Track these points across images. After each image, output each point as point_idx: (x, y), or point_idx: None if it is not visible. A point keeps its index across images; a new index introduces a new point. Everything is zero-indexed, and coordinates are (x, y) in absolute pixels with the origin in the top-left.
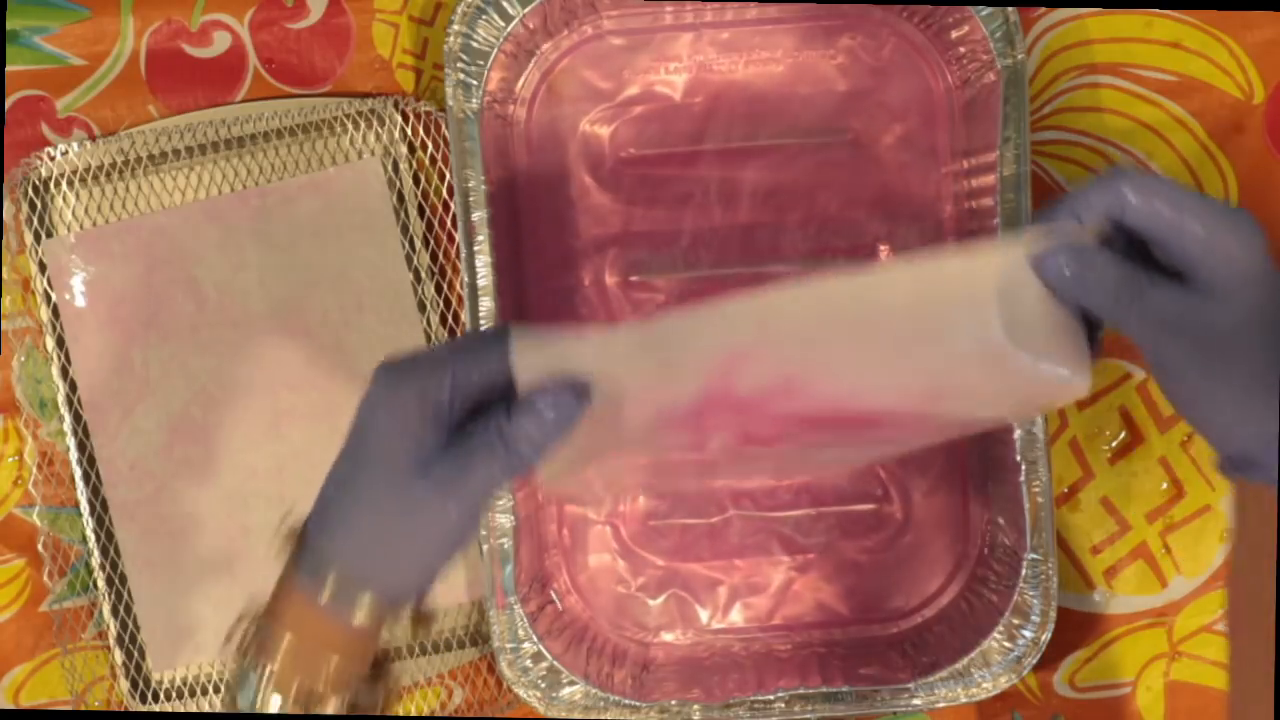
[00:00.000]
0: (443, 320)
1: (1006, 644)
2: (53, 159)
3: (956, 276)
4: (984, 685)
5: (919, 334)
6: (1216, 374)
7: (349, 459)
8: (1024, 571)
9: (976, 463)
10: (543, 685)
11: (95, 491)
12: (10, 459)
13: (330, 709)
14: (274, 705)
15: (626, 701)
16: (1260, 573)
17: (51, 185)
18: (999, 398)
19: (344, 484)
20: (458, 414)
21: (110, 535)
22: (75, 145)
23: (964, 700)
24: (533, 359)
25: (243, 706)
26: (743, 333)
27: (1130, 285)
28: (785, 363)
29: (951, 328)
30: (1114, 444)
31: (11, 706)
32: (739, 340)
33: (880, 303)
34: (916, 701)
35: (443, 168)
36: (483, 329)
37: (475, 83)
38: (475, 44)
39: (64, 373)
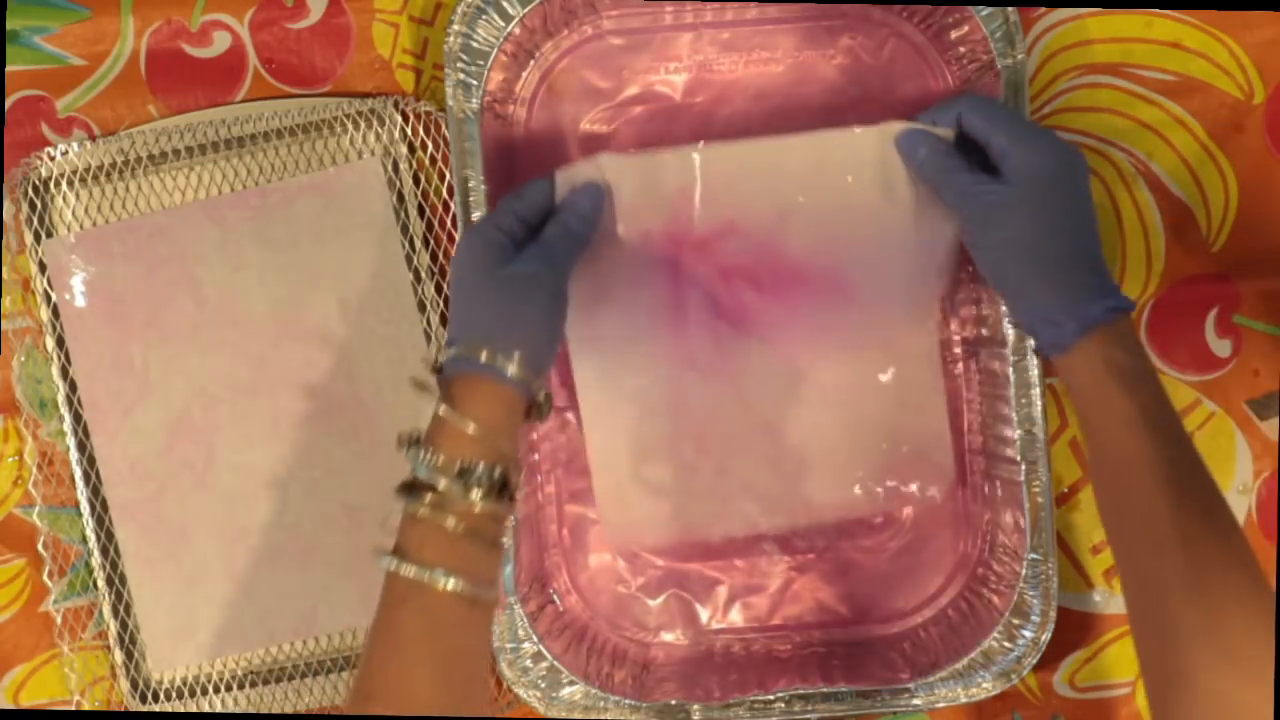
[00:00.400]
0: (443, 320)
1: (1006, 644)
2: (53, 159)
3: (845, 146)
4: (984, 685)
5: (816, 189)
6: (1014, 255)
7: (461, 276)
8: (1024, 571)
9: (977, 463)
10: (543, 685)
11: (95, 491)
12: (10, 459)
13: (481, 486)
14: (442, 482)
15: (626, 701)
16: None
17: (51, 185)
18: (883, 251)
19: (465, 290)
20: (523, 231)
21: (110, 535)
22: (75, 145)
23: (964, 700)
24: (566, 179)
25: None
26: (689, 173)
27: (948, 164)
28: (724, 207)
29: (841, 186)
30: None
31: (11, 706)
32: (688, 179)
33: (786, 164)
34: (916, 701)
35: (443, 168)
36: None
37: (475, 83)
38: (475, 44)
39: (64, 373)
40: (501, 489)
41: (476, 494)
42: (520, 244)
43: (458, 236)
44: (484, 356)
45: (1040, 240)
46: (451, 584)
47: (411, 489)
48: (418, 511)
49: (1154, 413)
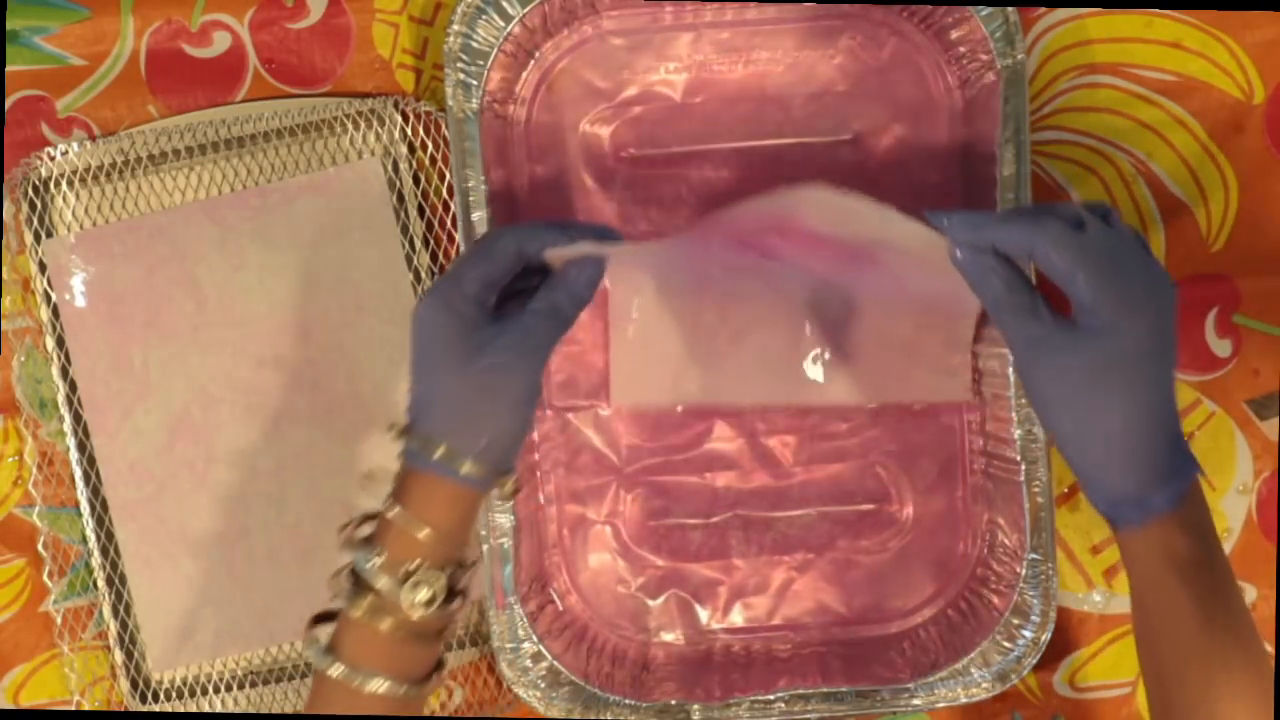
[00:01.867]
0: None
1: (1006, 644)
2: (53, 159)
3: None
4: (984, 685)
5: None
6: (1084, 423)
7: (422, 357)
8: (1024, 571)
9: (976, 463)
10: (543, 685)
11: (95, 491)
12: (10, 459)
13: (423, 593)
14: (382, 584)
15: (627, 701)
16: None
17: (51, 185)
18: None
19: (427, 368)
20: (489, 299)
21: (110, 535)
22: (75, 145)
23: (964, 700)
24: (560, 251)
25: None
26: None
27: (1021, 304)
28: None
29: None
30: None
31: (11, 706)
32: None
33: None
34: (916, 701)
35: (443, 168)
36: (482, 235)
37: (475, 83)
38: (475, 44)
39: (64, 373)
40: (449, 594)
41: (420, 598)
42: (491, 309)
43: (420, 296)
44: (439, 454)
45: (1118, 415)
46: (383, 688)
47: (355, 579)
48: (354, 613)
49: (1209, 605)
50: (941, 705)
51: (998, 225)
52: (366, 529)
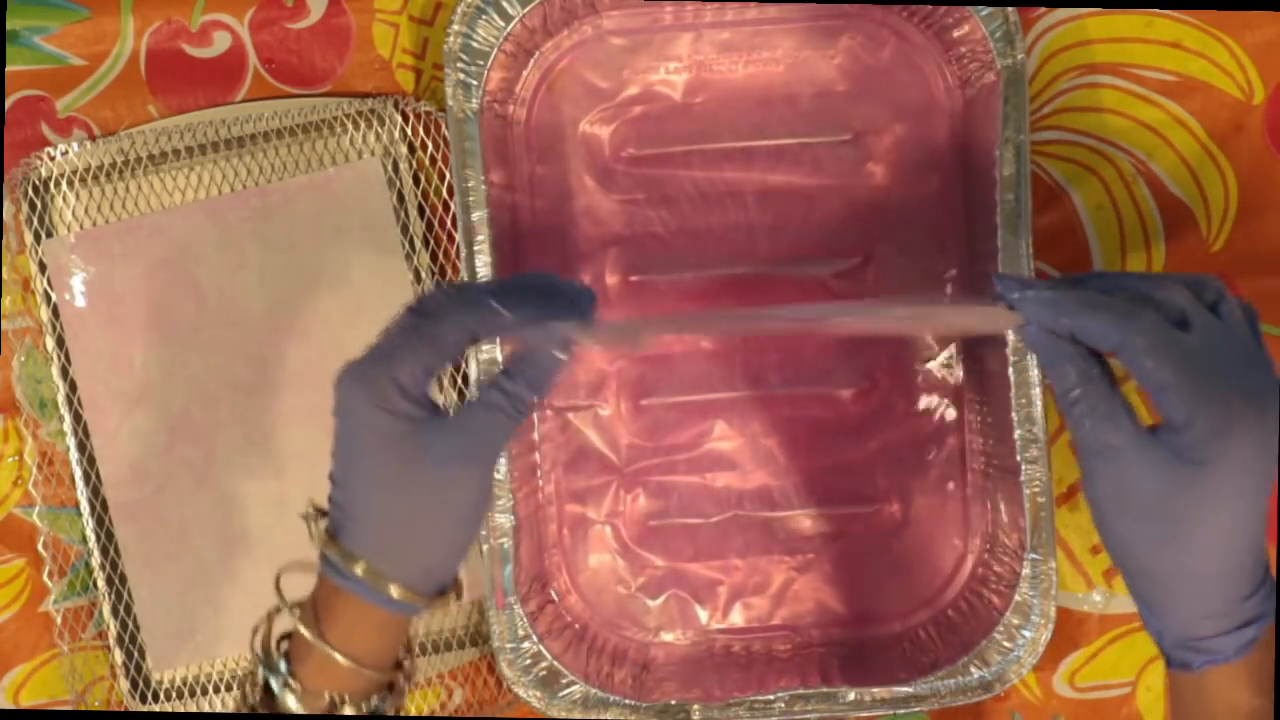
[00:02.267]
0: None
1: (1006, 644)
2: (53, 159)
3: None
4: (984, 685)
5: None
6: (1160, 540)
7: (347, 458)
8: (1024, 571)
9: (976, 463)
10: (543, 685)
11: (95, 491)
12: (10, 459)
13: (347, 710)
14: (291, 706)
15: (627, 701)
16: None
17: (51, 185)
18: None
19: (352, 480)
20: (423, 387)
21: (110, 535)
22: (75, 145)
23: (964, 700)
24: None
25: (256, 706)
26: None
27: (1104, 410)
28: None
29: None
30: None
31: (11, 706)
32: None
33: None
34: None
35: (443, 168)
36: (425, 305)
37: (475, 83)
38: (475, 44)
39: (64, 373)
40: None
41: (346, 712)
42: (426, 401)
43: (337, 379)
44: (366, 575)
45: (1196, 553)
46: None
47: (268, 691)
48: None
49: None
50: (941, 705)
51: (1081, 311)
52: (285, 622)
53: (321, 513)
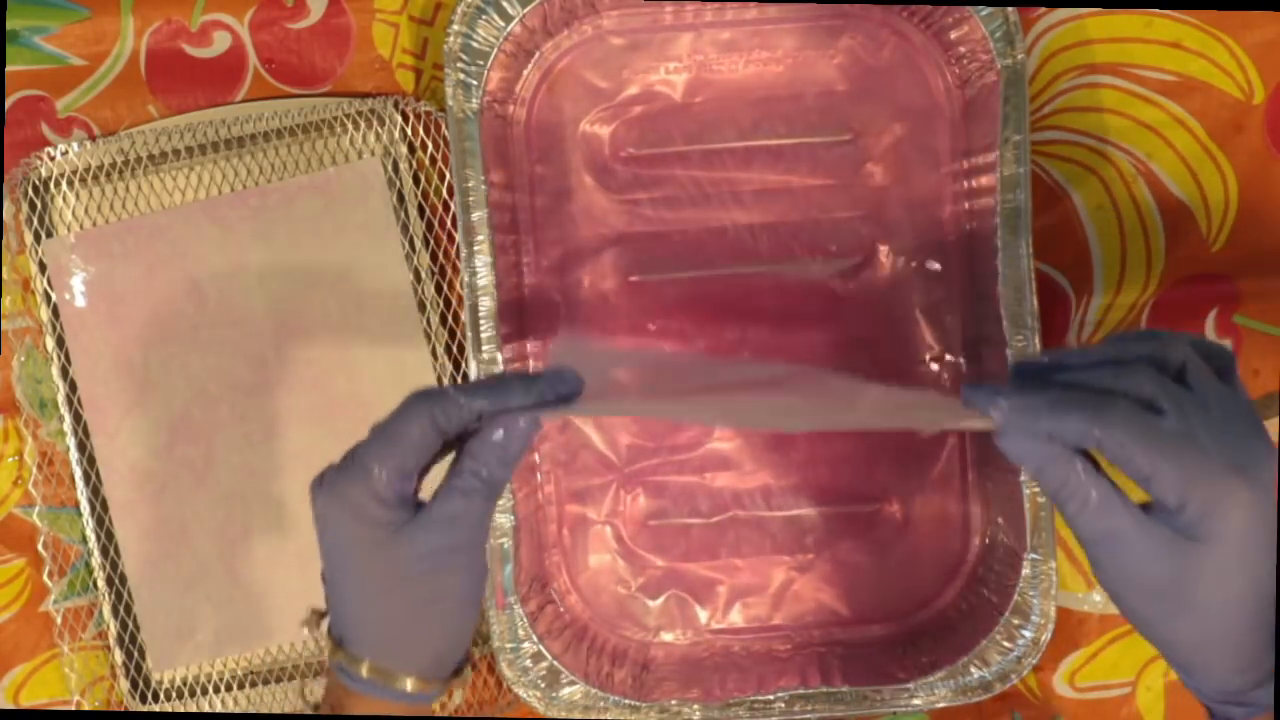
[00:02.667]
0: (442, 320)
1: (1006, 644)
2: (53, 159)
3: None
4: (984, 685)
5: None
6: (1176, 611)
7: (336, 570)
8: (1024, 571)
9: (976, 463)
10: (543, 685)
11: (95, 491)
12: (10, 459)
13: None
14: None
15: (626, 701)
16: None
17: (51, 185)
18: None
19: (345, 580)
20: (408, 489)
21: (110, 535)
22: (75, 145)
23: (964, 700)
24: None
25: None
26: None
27: (1076, 496)
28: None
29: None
30: None
31: (11, 706)
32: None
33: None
34: (916, 701)
35: (443, 168)
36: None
37: (475, 83)
38: (475, 44)
39: (64, 373)
40: None
41: None
42: (411, 497)
43: (312, 488)
44: (366, 672)
45: (1212, 620)
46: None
47: None
48: None
49: None
50: (941, 705)
51: (1054, 414)
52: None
53: (320, 614)
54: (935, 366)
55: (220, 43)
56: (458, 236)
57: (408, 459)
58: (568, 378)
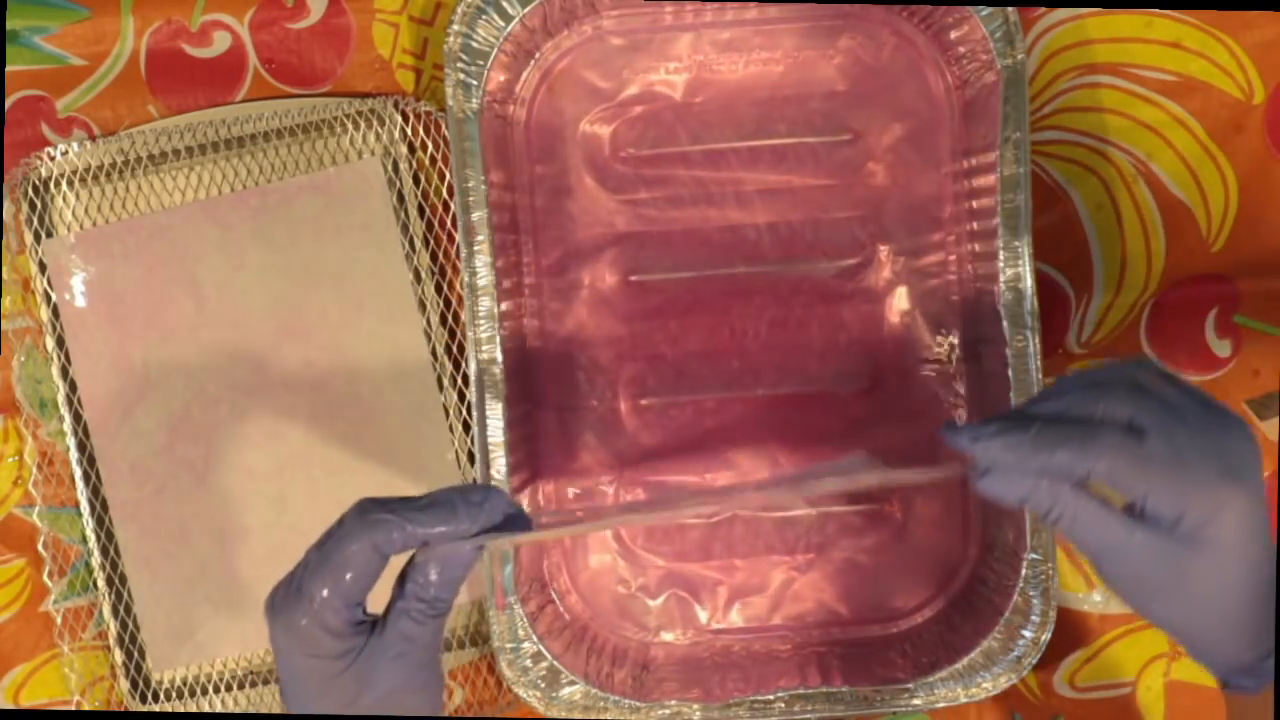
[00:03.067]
0: (442, 320)
1: (1006, 644)
2: (53, 159)
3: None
4: (984, 685)
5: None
6: (1183, 603)
7: (296, 702)
8: (1024, 571)
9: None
10: (543, 685)
11: (95, 491)
12: (10, 459)
13: None
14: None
15: (626, 701)
16: None
17: (51, 185)
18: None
19: (301, 711)
20: (352, 612)
21: (110, 535)
22: (75, 145)
23: (964, 700)
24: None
25: None
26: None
27: (1071, 516)
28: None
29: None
30: None
31: (11, 706)
32: None
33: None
34: (916, 701)
35: (443, 168)
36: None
37: (475, 83)
38: (475, 44)
39: (64, 373)
40: None
41: None
42: (359, 621)
43: (267, 612)
44: None
45: (1220, 606)
46: None
47: None
48: None
49: None
50: (941, 705)
51: (1040, 452)
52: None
53: None
54: (934, 367)
55: (220, 43)
56: (458, 236)
57: (353, 589)
58: (513, 504)
